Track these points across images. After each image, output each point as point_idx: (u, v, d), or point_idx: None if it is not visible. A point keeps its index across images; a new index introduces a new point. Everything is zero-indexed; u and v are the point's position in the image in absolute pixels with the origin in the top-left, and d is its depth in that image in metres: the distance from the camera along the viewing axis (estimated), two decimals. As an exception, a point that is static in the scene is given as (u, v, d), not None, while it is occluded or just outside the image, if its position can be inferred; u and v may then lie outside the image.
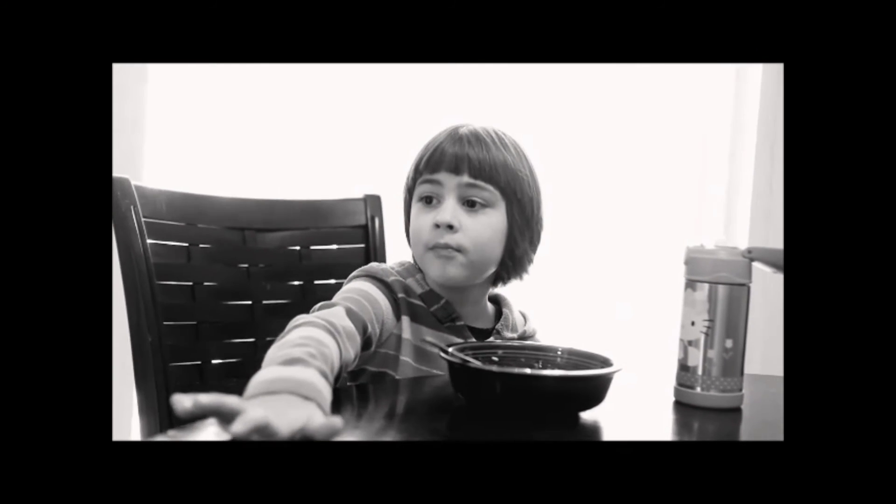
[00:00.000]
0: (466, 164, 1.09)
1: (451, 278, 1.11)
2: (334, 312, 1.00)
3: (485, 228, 1.10)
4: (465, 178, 1.09)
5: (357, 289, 1.09)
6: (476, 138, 1.11)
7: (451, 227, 1.09)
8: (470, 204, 1.10)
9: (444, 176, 1.10)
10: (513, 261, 1.14)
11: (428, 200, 1.12)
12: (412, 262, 1.19)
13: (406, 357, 1.12)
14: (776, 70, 2.10)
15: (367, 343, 1.04)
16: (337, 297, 1.06)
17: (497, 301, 1.23)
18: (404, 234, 1.21)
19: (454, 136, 1.12)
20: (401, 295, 1.12)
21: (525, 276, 1.18)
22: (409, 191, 1.16)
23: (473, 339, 1.14)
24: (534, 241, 1.16)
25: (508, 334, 1.17)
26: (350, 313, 1.01)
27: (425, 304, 1.13)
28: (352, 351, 0.97)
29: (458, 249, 1.09)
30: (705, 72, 2.15)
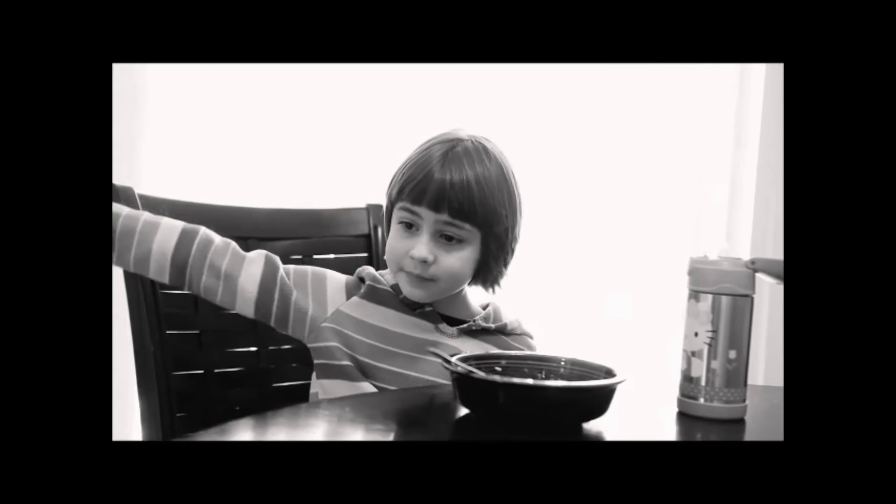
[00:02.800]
0: (446, 204, 1.11)
1: (421, 298, 1.17)
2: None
3: (457, 261, 1.14)
4: (444, 217, 1.12)
5: (315, 268, 1.21)
6: (465, 164, 1.12)
7: (425, 261, 1.13)
8: (447, 238, 1.14)
9: (425, 211, 1.13)
10: (485, 278, 1.19)
11: (408, 226, 1.15)
12: None
13: (352, 332, 1.15)
14: (779, 70, 2.09)
15: (283, 291, 1.15)
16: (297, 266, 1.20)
17: (486, 307, 1.25)
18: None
19: (443, 158, 1.13)
20: (369, 283, 1.19)
21: (497, 289, 1.22)
22: (392, 203, 1.18)
23: (444, 324, 1.19)
24: (507, 260, 1.20)
25: (484, 325, 1.20)
26: (268, 258, 1.16)
27: (395, 291, 1.19)
28: (225, 259, 1.13)
29: (431, 279, 1.14)
30: (708, 72, 2.14)
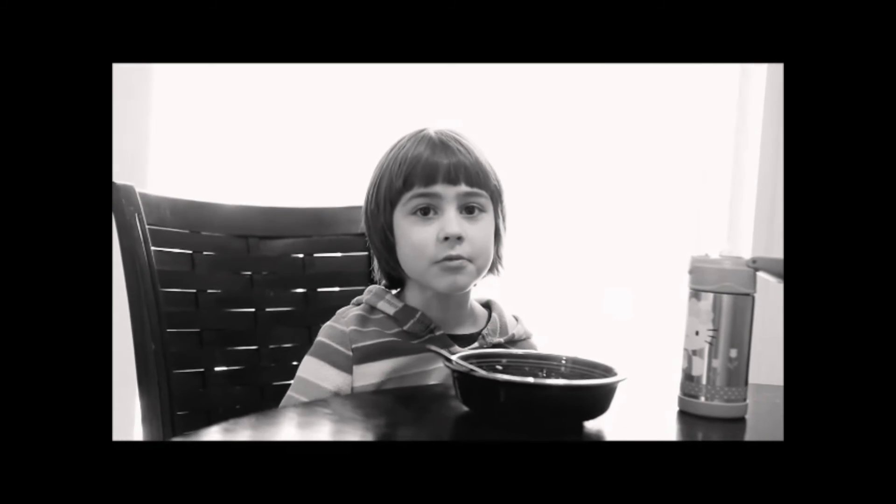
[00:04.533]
0: (463, 174, 1.09)
1: (461, 287, 1.12)
2: None
3: (485, 233, 1.12)
4: (463, 188, 1.10)
5: (304, 379, 1.12)
6: (458, 143, 1.12)
7: (459, 238, 1.09)
8: (468, 210, 1.11)
9: (442, 188, 1.09)
10: (499, 257, 1.18)
11: (424, 212, 1.11)
12: (381, 285, 1.19)
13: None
14: (780, 70, 2.09)
15: None
16: (293, 388, 1.13)
17: (488, 306, 1.22)
18: (374, 251, 1.19)
19: (433, 144, 1.11)
20: (359, 344, 1.11)
21: (501, 269, 1.19)
22: (391, 204, 1.12)
23: (455, 346, 1.13)
24: (506, 233, 1.19)
25: (495, 339, 1.17)
26: None
27: (399, 324, 1.13)
28: None
29: (469, 259, 1.10)
30: (709, 71, 2.14)
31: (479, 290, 1.21)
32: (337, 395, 1.10)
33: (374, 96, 1.91)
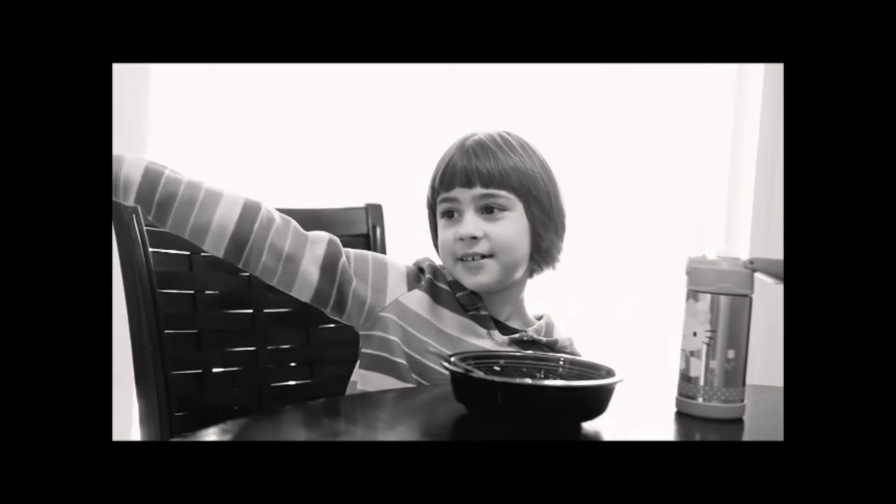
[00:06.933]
0: (477, 177, 1.15)
1: (483, 285, 1.16)
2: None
3: (507, 231, 1.16)
4: (479, 190, 1.15)
5: (375, 254, 1.20)
6: (482, 148, 1.16)
7: (474, 237, 1.14)
8: (488, 210, 1.15)
9: (459, 191, 1.16)
10: (541, 254, 1.20)
11: (450, 215, 1.18)
12: None
13: (410, 328, 1.15)
14: (778, 70, 2.09)
15: (344, 278, 1.14)
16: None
17: (541, 318, 1.25)
18: (433, 247, 1.26)
19: (462, 150, 1.17)
20: (428, 276, 1.19)
21: (557, 266, 1.23)
22: (431, 208, 1.22)
23: (496, 331, 1.18)
24: (559, 231, 1.21)
25: (536, 336, 1.19)
26: (331, 241, 1.15)
27: (452, 290, 1.19)
28: (287, 239, 1.12)
29: (488, 255, 1.15)
30: (707, 71, 2.14)
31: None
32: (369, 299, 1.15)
33: (370, 97, 1.91)
